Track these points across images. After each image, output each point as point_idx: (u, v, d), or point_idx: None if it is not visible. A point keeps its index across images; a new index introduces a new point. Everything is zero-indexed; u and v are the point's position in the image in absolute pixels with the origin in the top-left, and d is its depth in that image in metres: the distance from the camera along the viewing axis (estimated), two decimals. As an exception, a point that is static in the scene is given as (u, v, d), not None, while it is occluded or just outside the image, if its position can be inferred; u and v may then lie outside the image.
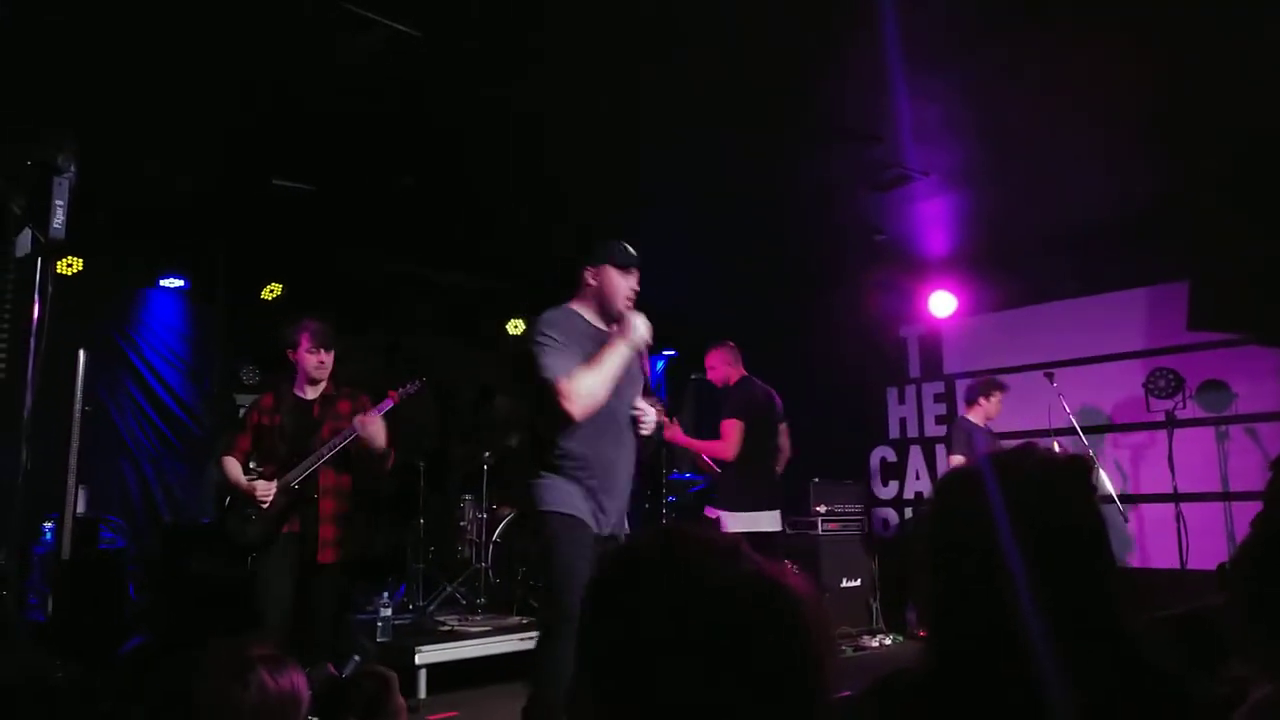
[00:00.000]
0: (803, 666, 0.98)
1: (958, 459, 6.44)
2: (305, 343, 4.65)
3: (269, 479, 4.56)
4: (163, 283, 7.09)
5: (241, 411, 4.73)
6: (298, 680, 1.81)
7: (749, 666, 0.95)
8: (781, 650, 0.97)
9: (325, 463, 4.57)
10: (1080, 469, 1.42)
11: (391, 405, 4.72)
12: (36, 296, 2.34)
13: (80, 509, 5.85)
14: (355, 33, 4.07)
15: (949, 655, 1.38)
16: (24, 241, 2.28)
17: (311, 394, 4.74)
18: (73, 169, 2.29)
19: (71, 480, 4.64)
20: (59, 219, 2.24)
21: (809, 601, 1.01)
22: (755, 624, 0.97)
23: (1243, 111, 5.12)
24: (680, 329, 9.67)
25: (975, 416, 6.62)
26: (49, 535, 5.50)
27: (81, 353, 4.69)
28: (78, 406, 4.63)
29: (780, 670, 0.97)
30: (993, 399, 6.65)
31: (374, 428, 4.53)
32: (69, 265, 5.95)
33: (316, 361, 4.66)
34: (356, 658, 2.61)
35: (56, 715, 3.95)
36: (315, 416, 4.68)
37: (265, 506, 4.50)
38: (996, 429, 6.70)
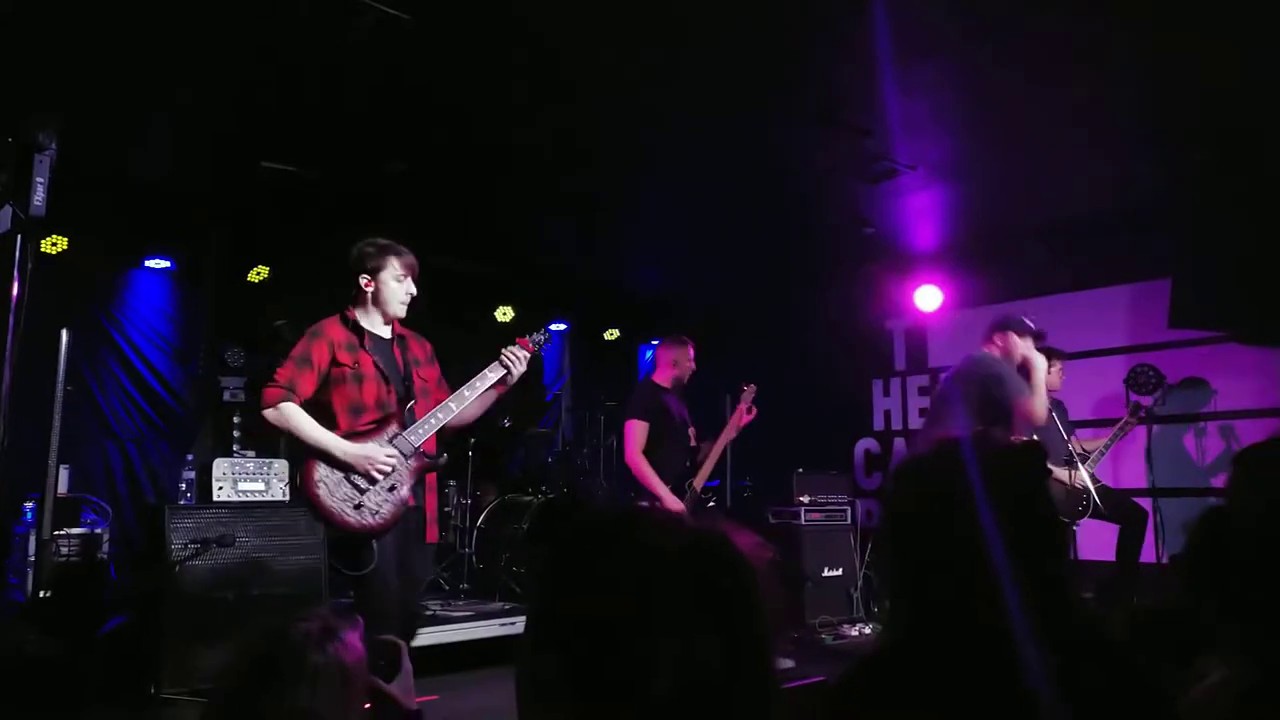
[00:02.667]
0: (758, 617, 1.01)
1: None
2: (393, 267, 3.77)
3: (368, 437, 3.57)
4: (148, 263, 7.05)
5: (308, 352, 3.63)
6: (358, 644, 1.89)
7: (716, 620, 0.98)
8: (740, 602, 1.00)
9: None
10: (1037, 452, 1.47)
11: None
12: (16, 274, 2.34)
13: (62, 489, 5.84)
14: (346, 16, 4.07)
15: (917, 634, 1.41)
16: (3, 218, 2.29)
17: (384, 333, 3.82)
18: (54, 146, 2.29)
19: (53, 460, 4.61)
20: (39, 196, 2.24)
21: (753, 554, 1.06)
22: (715, 579, 1.00)
23: (1227, 110, 5.15)
24: (667, 319, 9.70)
25: None
26: (30, 515, 5.50)
27: (64, 332, 4.67)
28: (60, 386, 4.61)
29: (740, 621, 1.00)
30: (1052, 369, 6.10)
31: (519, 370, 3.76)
32: (53, 244, 5.92)
33: (404, 293, 3.78)
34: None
35: (40, 689, 3.96)
36: (399, 362, 3.78)
37: (383, 477, 3.52)
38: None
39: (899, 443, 8.57)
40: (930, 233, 7.50)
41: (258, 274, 7.31)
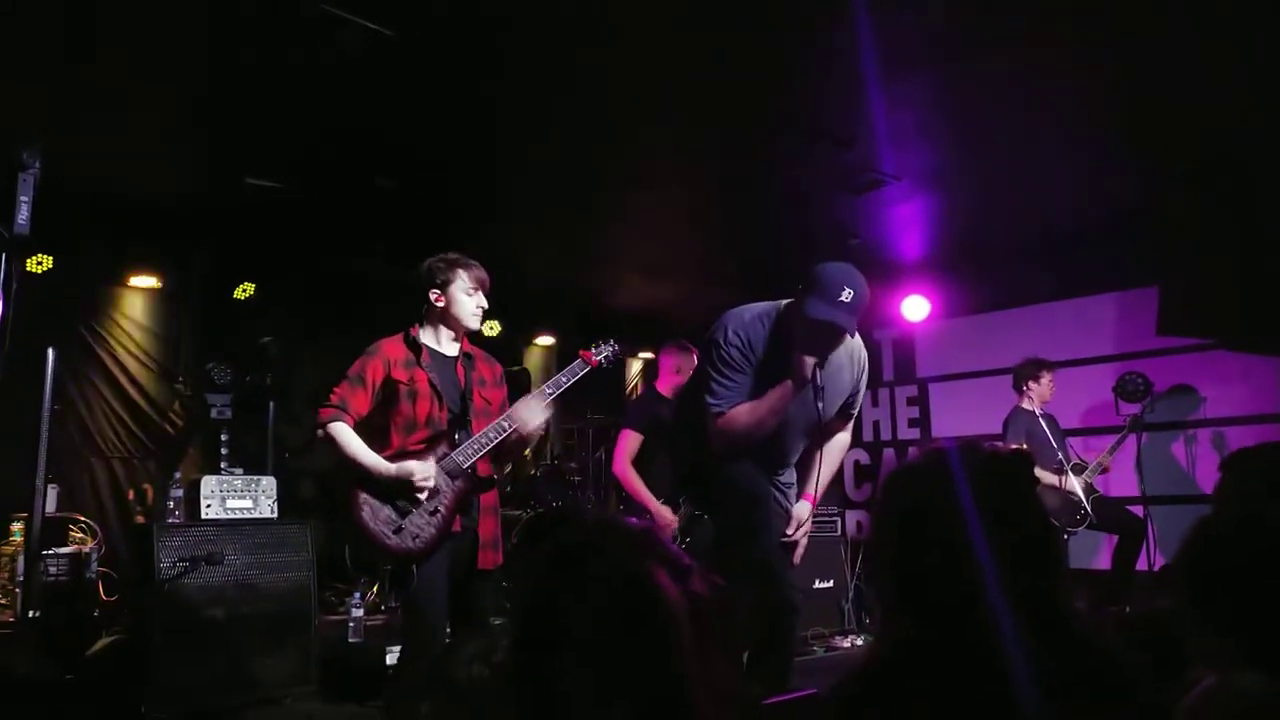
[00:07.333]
0: (667, 654, 1.06)
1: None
2: (462, 280, 3.66)
3: (419, 456, 3.46)
4: (133, 281, 7.03)
5: (363, 370, 3.56)
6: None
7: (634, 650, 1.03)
8: (648, 638, 1.05)
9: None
10: (1024, 461, 1.48)
11: (585, 371, 3.90)
12: (0, 293, 2.32)
13: (50, 508, 5.80)
14: (331, 31, 4.06)
15: (911, 643, 1.41)
16: (-13, 238, 2.28)
17: (450, 350, 3.73)
18: (37, 165, 2.28)
19: (40, 479, 4.58)
20: (24, 215, 2.23)
21: (675, 599, 1.14)
22: (638, 613, 1.11)
23: (1213, 118, 5.19)
24: (652, 332, 9.69)
25: (1028, 404, 6.48)
26: (18, 535, 5.46)
27: (50, 351, 4.64)
28: (46, 405, 4.58)
29: (647, 654, 1.04)
30: (1042, 381, 6.45)
31: (544, 416, 3.65)
32: (38, 263, 5.90)
33: (475, 306, 3.69)
34: None
35: (30, 711, 3.92)
36: (461, 381, 3.67)
37: (425, 497, 3.40)
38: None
39: (888, 453, 8.59)
40: (917, 243, 7.53)
41: (243, 291, 7.27)
